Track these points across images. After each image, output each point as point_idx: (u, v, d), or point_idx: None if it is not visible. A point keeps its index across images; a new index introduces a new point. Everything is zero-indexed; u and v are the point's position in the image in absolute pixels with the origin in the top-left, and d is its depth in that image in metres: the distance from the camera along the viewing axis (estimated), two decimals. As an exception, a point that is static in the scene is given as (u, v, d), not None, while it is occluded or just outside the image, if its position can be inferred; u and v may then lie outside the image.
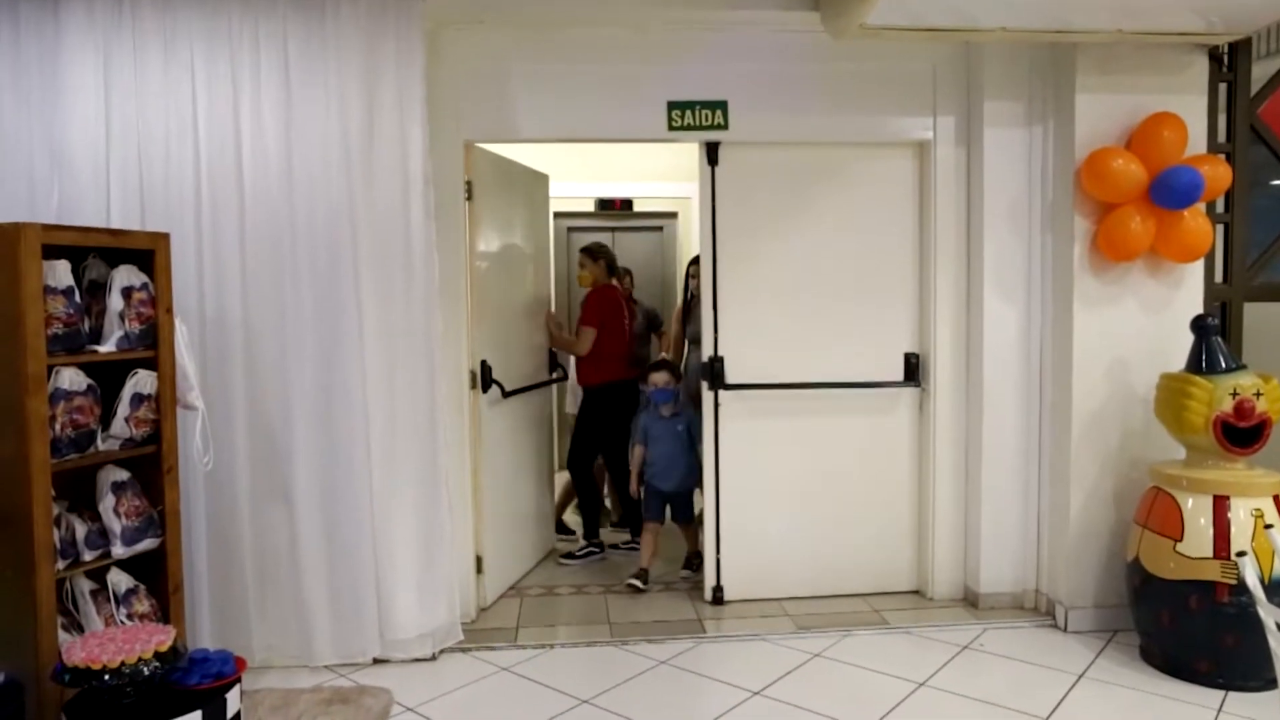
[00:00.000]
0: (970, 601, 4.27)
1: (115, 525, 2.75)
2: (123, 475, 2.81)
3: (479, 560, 4.20)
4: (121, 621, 2.75)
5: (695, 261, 4.93)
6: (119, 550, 2.74)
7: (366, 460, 3.54)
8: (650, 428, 4.59)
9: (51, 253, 2.57)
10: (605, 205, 7.12)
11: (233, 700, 2.36)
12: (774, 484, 4.30)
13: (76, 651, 2.24)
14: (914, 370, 4.31)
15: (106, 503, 2.74)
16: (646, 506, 4.64)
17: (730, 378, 4.23)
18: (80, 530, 2.69)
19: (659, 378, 4.53)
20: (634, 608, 4.29)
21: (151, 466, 2.86)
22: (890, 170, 4.29)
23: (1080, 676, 3.49)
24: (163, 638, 2.34)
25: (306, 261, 3.48)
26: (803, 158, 4.25)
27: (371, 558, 3.59)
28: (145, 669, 2.26)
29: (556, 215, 7.12)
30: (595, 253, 5.17)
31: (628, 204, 7.14)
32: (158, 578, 2.89)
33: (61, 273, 2.56)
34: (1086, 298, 3.86)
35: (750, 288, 4.24)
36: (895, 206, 4.30)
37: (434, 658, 3.70)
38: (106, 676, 2.21)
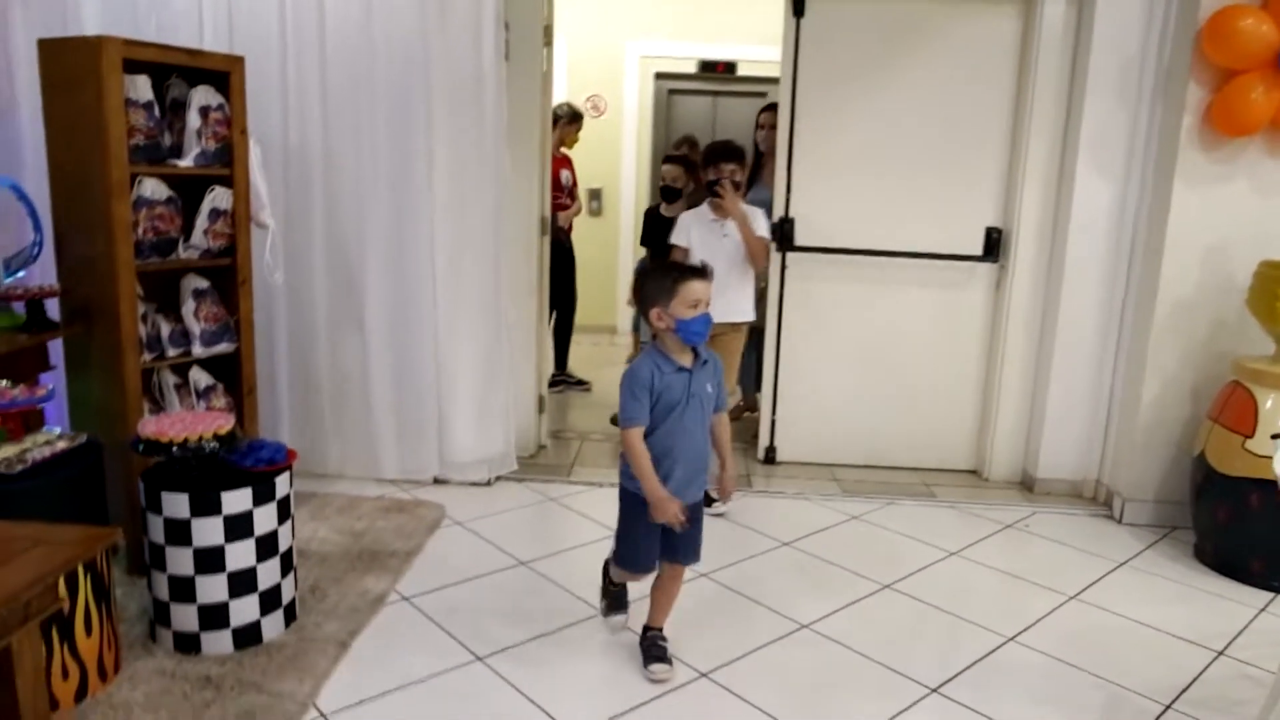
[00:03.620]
0: (1026, 485, 4.21)
1: (195, 328, 3.04)
2: (203, 284, 3.07)
3: (541, 400, 4.41)
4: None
5: (770, 109, 4.51)
6: (198, 350, 3.04)
7: (432, 292, 3.73)
8: (670, 403, 2.34)
9: (134, 69, 2.76)
10: (707, 68, 6.92)
11: (281, 484, 2.63)
12: (836, 350, 4.28)
13: (150, 426, 2.54)
14: (994, 245, 4.13)
15: (188, 307, 3.03)
16: (634, 551, 2.49)
17: (800, 239, 4.17)
18: (165, 329, 2.99)
19: (698, 290, 2.30)
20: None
21: (228, 278, 3.12)
22: (989, 31, 4.00)
23: (1122, 564, 3.43)
24: (224, 422, 2.62)
25: (383, 93, 3.59)
26: (895, 13, 4.01)
27: (434, 385, 3.83)
28: (206, 447, 2.54)
29: (656, 76, 7.02)
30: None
31: (731, 67, 6.92)
32: (234, 380, 3.20)
33: (142, 87, 2.76)
34: (1190, 175, 3.57)
35: (827, 147, 4.12)
36: (990, 70, 4.03)
37: (489, 483, 3.97)
38: (174, 449, 2.51)
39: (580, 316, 5.94)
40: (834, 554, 3.39)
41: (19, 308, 2.82)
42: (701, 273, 2.35)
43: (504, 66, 3.67)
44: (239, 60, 3.02)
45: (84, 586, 2.30)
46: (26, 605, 1.75)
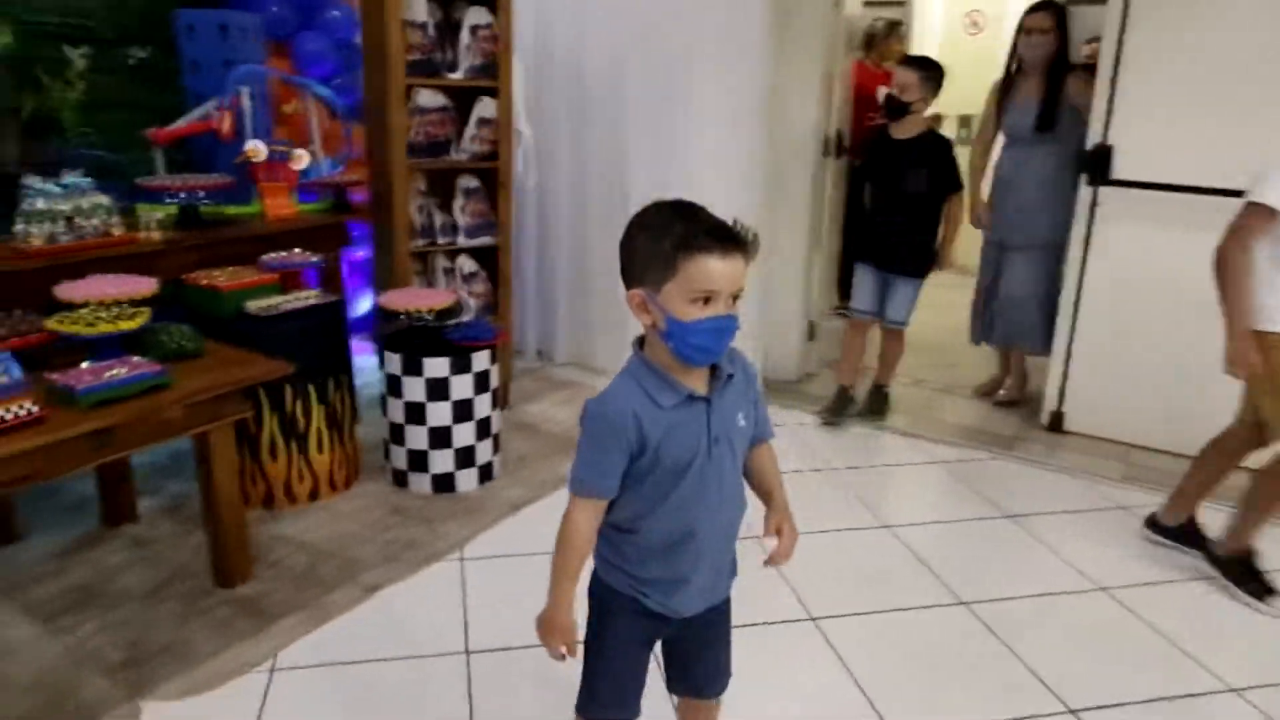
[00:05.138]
0: None
1: (461, 221, 3.54)
2: (473, 183, 3.55)
3: (811, 327, 4.30)
4: (463, 296, 3.61)
5: (1039, 9, 3.58)
6: (462, 240, 3.55)
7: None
8: (680, 462, 1.38)
9: (421, -7, 3.25)
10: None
11: (479, 359, 3.01)
12: (1153, 308, 3.50)
13: (387, 297, 3.08)
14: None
15: (457, 203, 3.53)
16: (609, 683, 1.55)
17: (1120, 172, 3.45)
18: (438, 220, 3.53)
19: (717, 271, 1.27)
20: (966, 410, 4.04)
21: (493, 179, 3.55)
22: None
23: None
24: (443, 300, 3.07)
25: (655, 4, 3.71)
26: None
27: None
28: (426, 318, 3.01)
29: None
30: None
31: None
32: (493, 269, 3.67)
33: (418, 8, 3.23)
34: None
35: (1171, 60, 3.30)
36: None
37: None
38: (401, 316, 3.02)
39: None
40: (1057, 540, 2.91)
41: (329, 194, 3.54)
42: (729, 239, 1.27)
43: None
44: (508, -19, 3.38)
45: (317, 414, 2.92)
46: (218, 404, 2.31)
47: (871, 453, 3.55)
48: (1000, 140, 3.82)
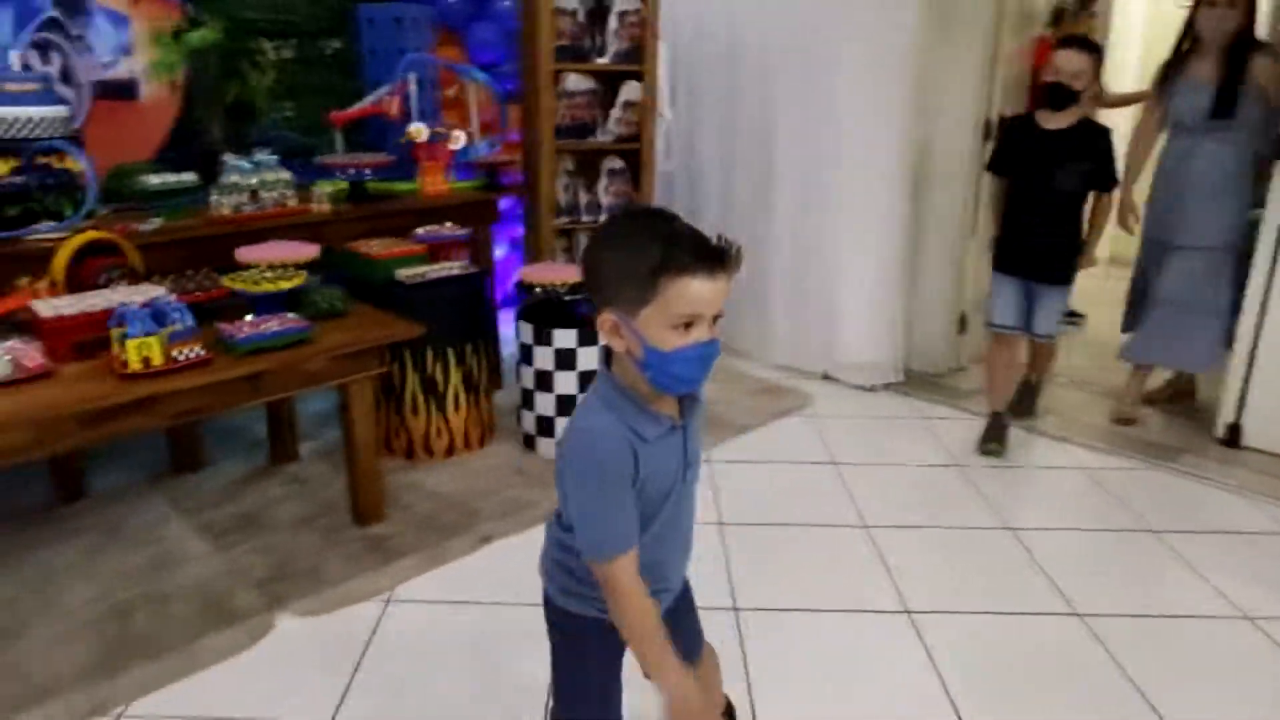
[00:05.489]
0: None
1: (604, 200, 3.68)
2: (618, 164, 3.68)
3: (963, 319, 4.12)
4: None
5: None
6: (603, 219, 3.69)
7: (835, 192, 3.79)
8: (661, 491, 1.31)
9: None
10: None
11: (606, 334, 3.15)
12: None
13: (525, 270, 3.27)
14: None
15: (601, 183, 3.67)
16: (594, 708, 1.48)
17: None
18: (582, 199, 3.69)
19: (701, 295, 1.17)
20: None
21: (636, 161, 3.66)
22: None
23: None
24: (576, 275, 3.22)
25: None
26: None
27: (827, 283, 3.92)
28: (560, 291, 3.17)
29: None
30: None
31: None
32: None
33: (568, -3, 3.39)
34: None
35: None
36: None
37: (871, 389, 3.95)
38: (536, 290, 3.20)
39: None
40: (1214, 572, 2.67)
41: (483, 174, 3.78)
42: (714, 257, 1.16)
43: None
44: (653, -32, 3.46)
45: (455, 376, 3.16)
46: (357, 360, 2.56)
47: (1012, 453, 3.38)
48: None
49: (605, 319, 1.21)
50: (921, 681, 2.12)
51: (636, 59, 3.50)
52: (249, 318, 2.45)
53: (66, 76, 3.50)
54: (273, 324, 2.40)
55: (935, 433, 3.54)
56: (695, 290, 1.15)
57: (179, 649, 2.15)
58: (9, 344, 2.17)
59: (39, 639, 2.19)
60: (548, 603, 1.44)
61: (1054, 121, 3.09)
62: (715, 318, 1.20)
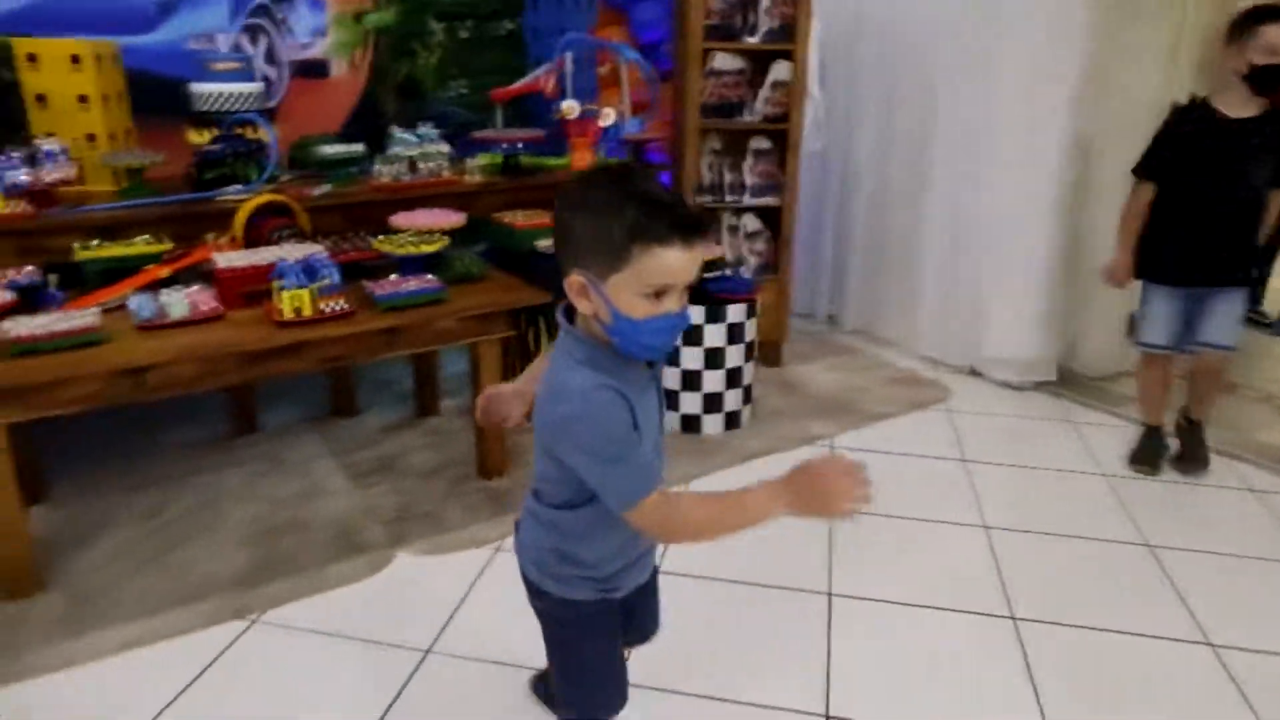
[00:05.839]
0: None
1: (749, 180, 3.67)
2: (765, 144, 3.66)
3: (1131, 320, 3.80)
4: (744, 253, 3.75)
5: None
6: (747, 199, 3.68)
7: (990, 180, 3.59)
8: (652, 441, 1.32)
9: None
10: None
11: (734, 311, 3.14)
12: None
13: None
14: None
15: (747, 163, 3.66)
16: (602, 683, 1.50)
17: None
18: (727, 178, 3.70)
19: (675, 264, 1.16)
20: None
21: (784, 141, 3.62)
22: None
23: None
24: (711, 251, 3.25)
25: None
26: None
27: (977, 275, 3.73)
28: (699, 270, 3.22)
29: None
30: None
31: None
32: (776, 229, 3.76)
33: (719, -26, 3.39)
34: None
35: None
36: None
37: (1019, 387, 3.73)
38: (668, 267, 3.26)
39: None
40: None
41: (631, 150, 3.85)
42: (692, 227, 1.13)
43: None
44: (809, -56, 3.39)
45: (586, 345, 3.28)
46: (486, 321, 2.73)
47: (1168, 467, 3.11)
48: None
49: (574, 280, 1.17)
50: (1013, 690, 2.02)
51: (787, 38, 3.47)
52: (392, 277, 2.66)
53: (271, 57, 3.90)
54: (411, 284, 2.60)
55: (1084, 438, 3.31)
56: (670, 260, 1.11)
57: (311, 571, 2.40)
58: (191, 289, 2.48)
59: (202, 547, 2.51)
60: (538, 592, 1.39)
61: (1239, 109, 2.70)
62: (687, 287, 1.17)
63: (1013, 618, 2.27)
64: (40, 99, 2.95)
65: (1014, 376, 3.74)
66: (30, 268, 2.52)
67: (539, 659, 2.09)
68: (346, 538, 2.57)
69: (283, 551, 2.49)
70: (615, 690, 1.46)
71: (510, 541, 2.56)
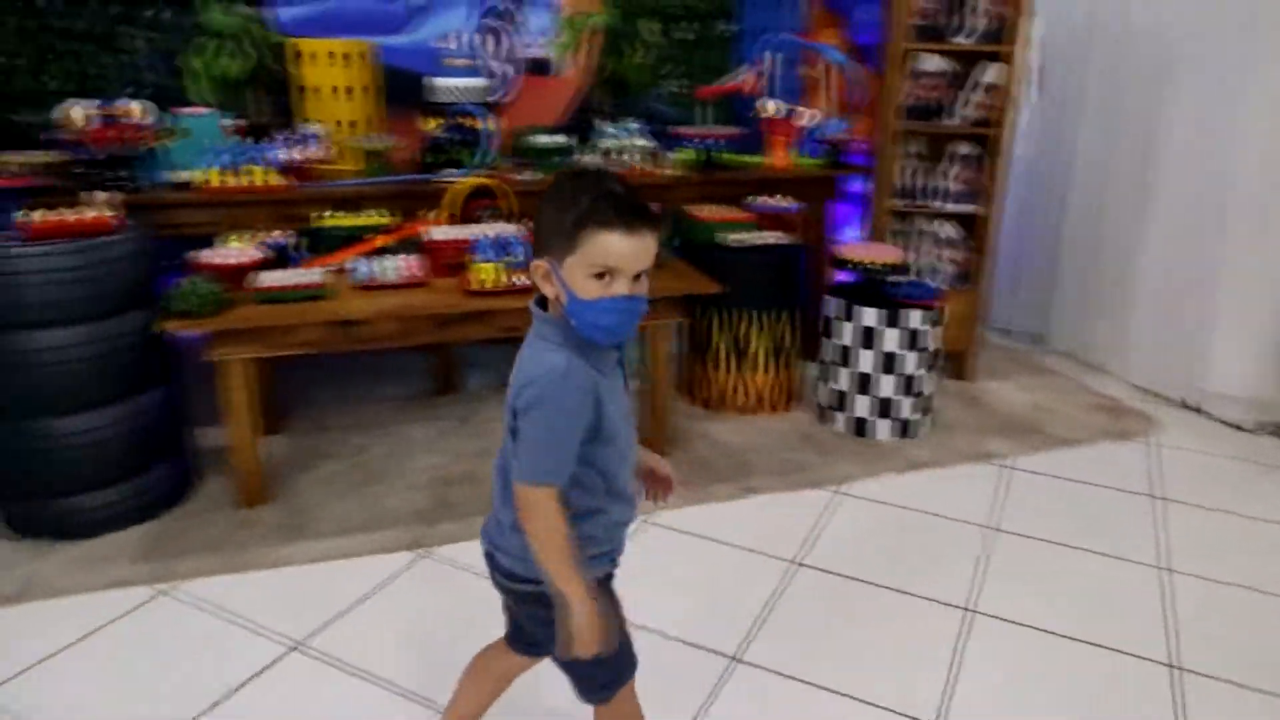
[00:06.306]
0: None
1: (949, 186, 3.55)
2: (968, 149, 3.52)
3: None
4: (935, 261, 3.64)
5: None
6: (944, 205, 3.57)
7: (1231, 196, 3.26)
8: (616, 425, 1.39)
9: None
10: None
11: (913, 317, 3.05)
12: None
13: (841, 247, 3.32)
14: None
15: (948, 168, 3.55)
16: (613, 655, 1.47)
17: None
18: (923, 182, 3.60)
19: (617, 248, 1.25)
20: None
21: (989, 146, 3.47)
22: None
23: None
24: (892, 255, 3.19)
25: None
26: None
27: (1199, 299, 3.39)
28: (875, 270, 3.18)
29: None
30: None
31: None
32: (974, 238, 3.61)
33: (930, -26, 3.30)
34: None
35: None
36: None
37: (1245, 428, 3.35)
38: (848, 265, 3.24)
39: None
40: None
41: (829, 151, 3.83)
42: (635, 216, 1.23)
43: None
44: (1037, -60, 3.22)
45: (760, 340, 3.34)
46: (659, 307, 2.88)
47: None
48: None
49: (538, 265, 1.29)
50: (1159, 741, 1.88)
51: (1001, 39, 3.32)
52: (576, 259, 2.87)
53: (504, 55, 4.28)
54: (592, 266, 2.79)
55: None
56: (611, 243, 1.21)
57: (475, 518, 2.64)
58: (403, 257, 2.81)
59: (393, 486, 2.84)
60: (523, 580, 1.40)
61: None
62: (637, 276, 1.25)
63: (1174, 666, 2.09)
64: (308, 90, 3.45)
65: (1239, 415, 3.36)
66: (283, 232, 2.97)
67: (677, 626, 2.20)
68: (442, 496, 2.80)
69: (455, 498, 2.77)
70: (629, 649, 1.48)
71: (661, 517, 2.72)
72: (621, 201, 1.23)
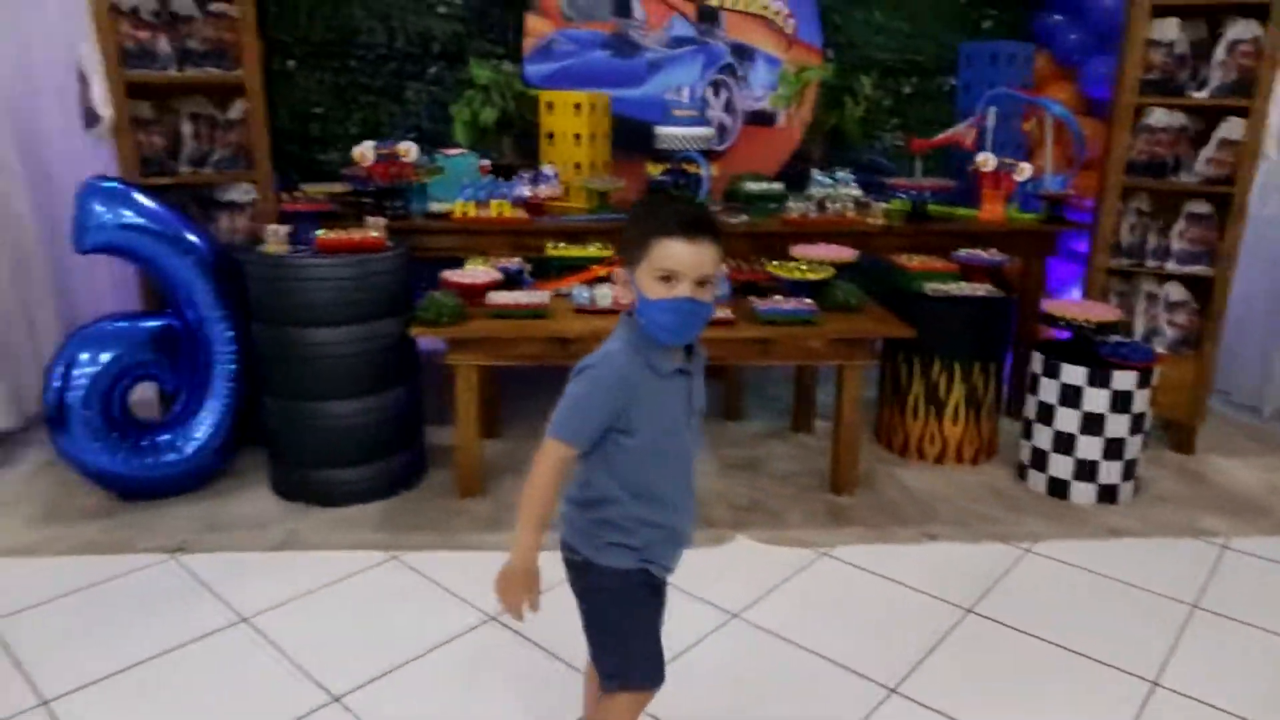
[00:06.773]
0: None
1: (1176, 245, 3.38)
2: (1202, 208, 3.33)
3: None
4: (1160, 323, 3.46)
5: None
6: (1171, 266, 3.39)
7: None
8: (667, 424, 1.54)
9: (1162, 13, 3.21)
10: None
11: (1123, 379, 2.92)
12: None
13: (1052, 303, 3.25)
14: None
15: (1177, 226, 3.38)
16: (647, 652, 1.64)
17: None
18: (1150, 241, 3.44)
19: (678, 255, 1.41)
20: None
21: (1226, 206, 3.28)
22: None
23: None
24: (1106, 314, 3.09)
25: None
26: None
27: None
28: (1093, 331, 3.07)
29: None
30: None
31: None
32: (1204, 302, 3.39)
33: (1168, 28, 3.17)
34: None
35: None
36: None
37: None
38: (1059, 321, 3.16)
39: None
40: None
41: (1048, 206, 3.74)
42: (694, 227, 1.39)
43: None
44: (1288, -9, 3.04)
45: (957, 390, 3.33)
46: (851, 347, 2.99)
47: None
48: None
49: (619, 274, 1.49)
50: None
51: (1243, 93, 3.15)
52: (776, 297, 3.03)
53: (729, 107, 4.56)
54: (791, 304, 2.94)
55: None
56: (673, 249, 1.37)
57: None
58: (618, 287, 3.10)
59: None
60: (587, 567, 1.53)
61: None
62: (702, 283, 1.39)
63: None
64: (550, 136, 3.87)
65: None
66: (517, 259, 3.36)
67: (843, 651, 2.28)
68: (701, 510, 2.97)
69: (647, 510, 2.99)
70: (654, 663, 1.59)
71: (839, 552, 2.79)
72: (684, 214, 1.41)
